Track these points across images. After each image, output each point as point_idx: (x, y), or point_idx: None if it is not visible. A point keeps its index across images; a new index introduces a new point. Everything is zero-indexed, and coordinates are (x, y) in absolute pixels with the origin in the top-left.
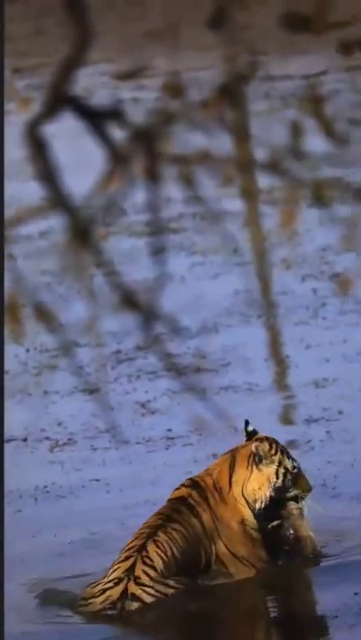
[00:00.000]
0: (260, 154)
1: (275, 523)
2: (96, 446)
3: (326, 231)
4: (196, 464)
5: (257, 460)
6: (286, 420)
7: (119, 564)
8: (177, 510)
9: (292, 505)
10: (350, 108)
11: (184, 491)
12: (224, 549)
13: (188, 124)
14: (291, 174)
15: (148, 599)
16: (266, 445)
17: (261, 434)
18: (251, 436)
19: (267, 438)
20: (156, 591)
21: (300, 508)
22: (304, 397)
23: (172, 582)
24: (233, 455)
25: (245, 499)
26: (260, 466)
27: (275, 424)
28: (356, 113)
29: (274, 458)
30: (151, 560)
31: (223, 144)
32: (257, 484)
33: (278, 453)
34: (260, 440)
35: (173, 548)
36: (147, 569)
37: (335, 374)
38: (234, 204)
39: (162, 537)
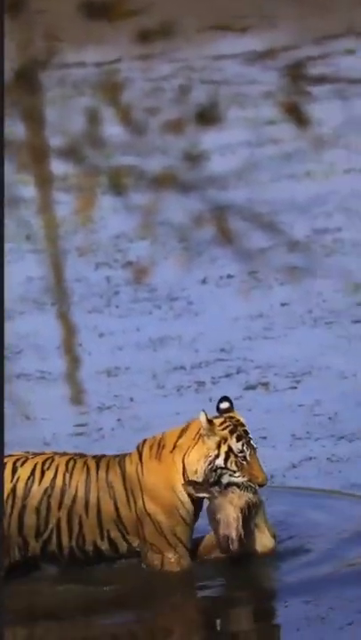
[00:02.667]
0: (56, 141)
1: (201, 495)
2: None
3: (120, 219)
4: None
5: (202, 431)
6: (78, 407)
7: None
8: (113, 456)
9: (233, 490)
10: (145, 97)
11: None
12: (142, 506)
13: None
14: (87, 161)
15: None
16: (219, 420)
17: (236, 413)
18: (221, 413)
19: (230, 417)
20: None
21: (242, 497)
22: (96, 385)
23: None
24: (188, 424)
25: (184, 466)
26: (205, 437)
27: (67, 412)
28: (151, 101)
29: (220, 433)
30: None
31: (19, 130)
32: (197, 456)
33: (227, 431)
34: (222, 416)
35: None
36: None
37: (127, 362)
38: (28, 190)
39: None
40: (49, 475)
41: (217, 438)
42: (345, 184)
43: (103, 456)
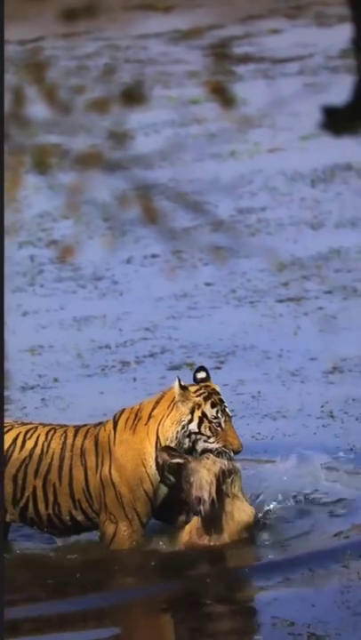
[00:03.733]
0: None
1: (175, 460)
2: None
3: (44, 198)
4: None
5: (176, 397)
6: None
7: None
8: (91, 425)
9: (208, 456)
10: (69, 75)
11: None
12: (107, 475)
13: None
14: (11, 140)
15: None
16: (194, 387)
17: (211, 382)
18: (198, 382)
19: (206, 386)
20: None
21: (216, 463)
22: (20, 364)
23: None
24: (163, 393)
25: (158, 436)
26: (178, 404)
27: None
28: (76, 80)
29: (194, 399)
30: None
31: None
32: (170, 422)
33: (201, 398)
34: (197, 384)
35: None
36: None
37: (51, 341)
38: None
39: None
40: (29, 444)
41: (190, 404)
42: (269, 164)
43: (84, 425)
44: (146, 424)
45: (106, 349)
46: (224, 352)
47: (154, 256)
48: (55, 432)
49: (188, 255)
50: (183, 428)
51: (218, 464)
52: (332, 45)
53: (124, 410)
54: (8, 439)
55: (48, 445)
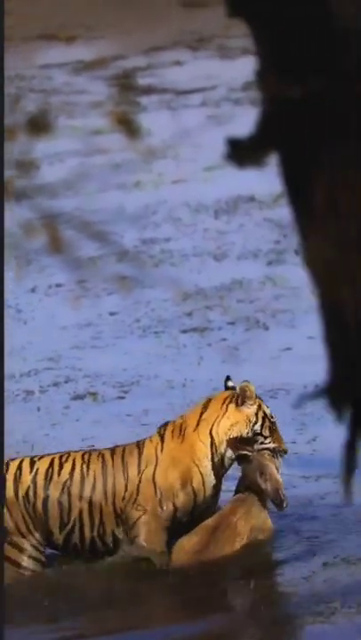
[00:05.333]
0: None
1: (243, 451)
2: None
3: None
4: None
5: (240, 400)
6: None
7: None
8: (130, 443)
9: (266, 453)
10: None
11: (159, 430)
12: (150, 475)
13: None
14: None
15: None
16: (252, 387)
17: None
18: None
19: (244, 383)
20: None
21: (273, 458)
22: None
23: None
24: (208, 399)
25: (212, 438)
26: (242, 407)
27: None
28: None
29: (256, 400)
30: None
31: None
32: (230, 422)
33: (258, 399)
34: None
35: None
36: None
37: None
38: None
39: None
40: (67, 467)
41: (256, 405)
42: (173, 194)
43: (117, 446)
44: (195, 430)
45: (10, 379)
46: (128, 382)
47: (58, 285)
48: (91, 455)
49: (93, 285)
50: (250, 428)
51: (275, 462)
52: (234, 77)
53: (167, 423)
54: (44, 465)
55: (87, 467)
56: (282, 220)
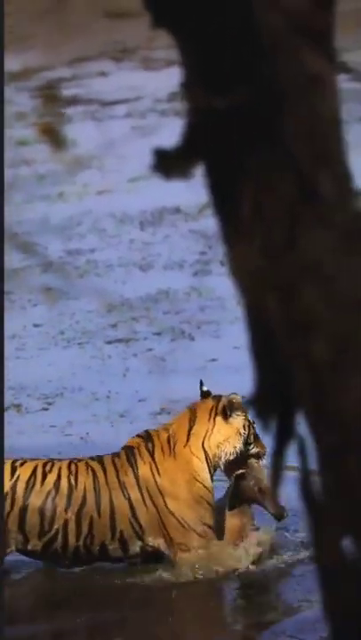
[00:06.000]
0: None
1: (240, 471)
2: None
3: None
4: None
5: (228, 411)
6: None
7: None
8: (117, 455)
9: (253, 460)
10: None
11: (135, 440)
12: (163, 506)
13: None
14: None
15: None
16: (239, 399)
17: (216, 393)
18: (206, 395)
19: (231, 395)
20: None
21: (260, 464)
22: None
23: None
24: (192, 410)
25: (205, 452)
26: (230, 419)
27: None
28: None
29: (243, 410)
30: None
31: None
32: (222, 437)
33: (242, 407)
34: (219, 397)
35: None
36: None
37: None
38: None
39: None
40: (52, 477)
41: (242, 416)
42: (98, 205)
43: (103, 457)
44: (186, 445)
45: None
46: (52, 393)
47: None
48: (77, 466)
49: (17, 296)
50: (243, 441)
51: (263, 470)
52: (159, 88)
53: (150, 435)
54: (25, 472)
55: (75, 479)
56: (207, 230)
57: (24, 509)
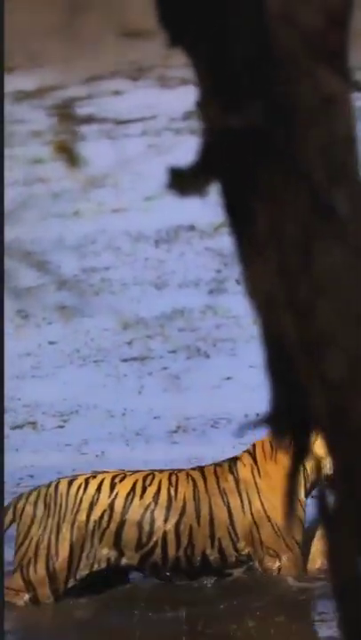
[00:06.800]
0: None
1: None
2: None
3: None
4: None
5: None
6: None
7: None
8: (219, 464)
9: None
10: None
11: (241, 452)
12: (260, 508)
13: None
14: None
15: None
16: None
17: None
18: None
19: None
20: None
21: None
22: None
23: None
24: None
25: (304, 465)
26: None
27: None
28: None
29: None
30: None
31: None
32: (323, 451)
33: None
34: None
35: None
36: None
37: None
38: None
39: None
40: (151, 490)
41: None
42: (113, 224)
43: (204, 467)
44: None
45: None
46: (68, 411)
47: None
48: (178, 477)
49: (32, 314)
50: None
51: None
52: (174, 107)
53: (255, 443)
54: (125, 487)
55: (175, 490)
56: (222, 249)
57: (121, 525)
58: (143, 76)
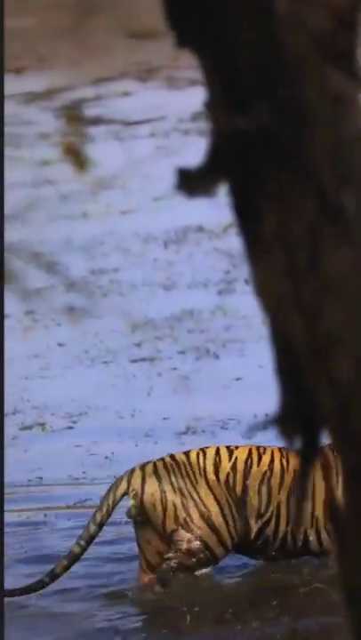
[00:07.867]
0: None
1: None
2: None
3: None
4: None
5: None
6: None
7: None
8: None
9: None
10: None
11: None
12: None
13: None
14: None
15: None
16: None
17: None
18: None
19: None
20: None
21: None
22: None
23: None
24: None
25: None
26: None
27: None
28: None
29: None
30: None
31: None
32: None
33: None
34: None
35: None
36: None
37: None
38: None
39: None
40: (266, 459)
41: None
42: (122, 225)
43: None
44: None
45: None
46: (77, 412)
47: (6, 316)
48: (289, 451)
49: (41, 315)
50: None
51: None
52: (183, 108)
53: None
54: (242, 453)
55: (287, 462)
56: (231, 249)
57: (244, 491)
58: (151, 78)
